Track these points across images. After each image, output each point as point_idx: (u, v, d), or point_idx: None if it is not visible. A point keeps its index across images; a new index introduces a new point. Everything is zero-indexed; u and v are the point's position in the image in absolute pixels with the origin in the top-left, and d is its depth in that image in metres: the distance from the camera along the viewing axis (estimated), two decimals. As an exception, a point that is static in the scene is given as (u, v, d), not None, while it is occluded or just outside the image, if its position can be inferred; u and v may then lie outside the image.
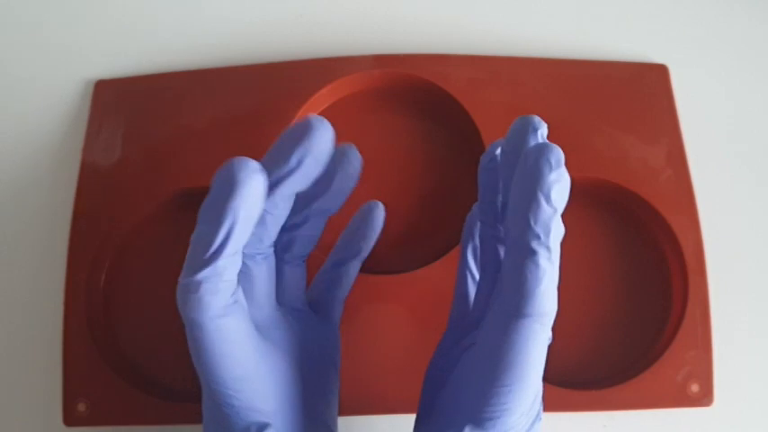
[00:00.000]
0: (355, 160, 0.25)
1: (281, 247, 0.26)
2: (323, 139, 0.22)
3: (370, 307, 0.32)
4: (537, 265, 0.20)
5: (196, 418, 0.31)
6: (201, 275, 0.20)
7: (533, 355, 0.20)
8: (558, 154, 0.19)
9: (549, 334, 0.21)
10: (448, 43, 0.37)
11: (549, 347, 0.32)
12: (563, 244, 0.33)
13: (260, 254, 0.24)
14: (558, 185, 0.19)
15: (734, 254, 0.34)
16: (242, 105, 0.35)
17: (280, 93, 0.35)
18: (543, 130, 0.22)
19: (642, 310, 0.33)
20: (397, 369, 0.31)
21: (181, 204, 0.34)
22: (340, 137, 0.36)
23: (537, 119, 0.22)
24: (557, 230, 0.20)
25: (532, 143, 0.21)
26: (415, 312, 0.32)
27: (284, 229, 0.25)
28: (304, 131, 0.22)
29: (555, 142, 0.33)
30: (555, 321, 0.32)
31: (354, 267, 0.29)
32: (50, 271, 0.34)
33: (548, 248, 0.20)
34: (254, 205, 0.20)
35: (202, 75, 0.36)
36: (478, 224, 0.26)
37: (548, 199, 0.19)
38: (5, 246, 0.35)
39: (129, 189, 0.34)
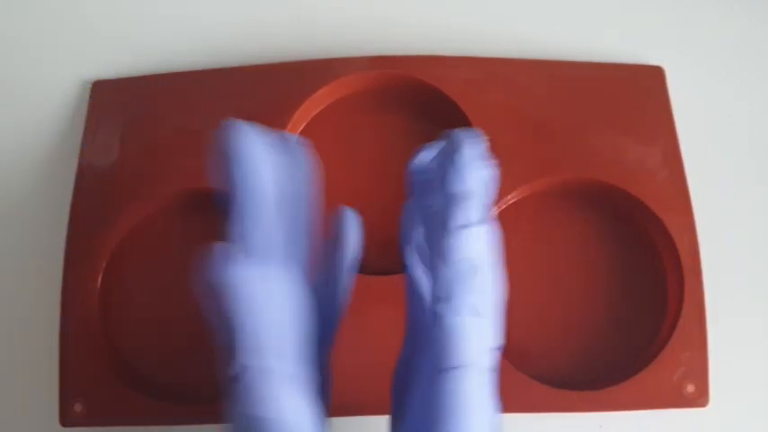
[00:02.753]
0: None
1: None
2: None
3: (366, 308, 0.32)
4: (447, 325, 0.20)
5: (193, 419, 0.31)
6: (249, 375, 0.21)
7: (470, 403, 0.20)
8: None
9: (487, 377, 0.21)
10: (444, 45, 0.37)
11: (548, 349, 0.32)
12: (560, 244, 0.33)
13: None
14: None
15: (729, 254, 0.34)
16: (239, 106, 0.35)
17: (276, 94, 0.35)
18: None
19: (638, 310, 0.33)
20: (393, 370, 0.31)
21: (178, 205, 0.34)
22: (336, 138, 0.36)
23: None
24: (464, 287, 0.20)
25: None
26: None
27: None
28: None
29: (551, 143, 0.34)
30: (552, 322, 0.33)
31: (348, 284, 0.28)
32: (47, 272, 0.34)
33: (453, 307, 0.20)
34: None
35: (199, 75, 0.36)
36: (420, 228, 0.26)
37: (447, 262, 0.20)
38: (2, 247, 0.35)
39: (126, 190, 0.34)
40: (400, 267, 0.32)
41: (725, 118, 0.36)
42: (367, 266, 0.33)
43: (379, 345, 0.32)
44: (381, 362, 0.31)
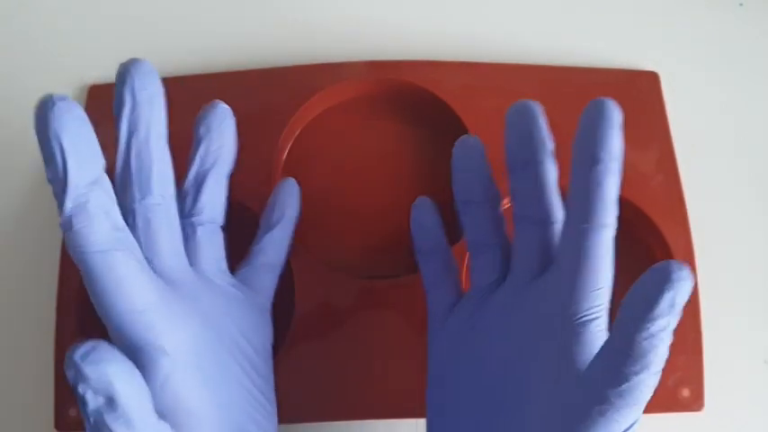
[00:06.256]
0: (224, 111, 0.28)
1: (188, 209, 0.27)
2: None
3: (364, 312, 0.32)
4: (611, 179, 0.24)
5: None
6: (67, 212, 0.21)
7: (612, 258, 0.24)
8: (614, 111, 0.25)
9: None
10: (441, 50, 0.37)
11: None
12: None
13: (156, 204, 0.24)
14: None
15: (724, 259, 0.34)
16: (235, 111, 0.35)
17: (272, 99, 0.35)
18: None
19: (633, 315, 0.33)
20: (393, 373, 0.31)
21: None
22: (333, 143, 0.36)
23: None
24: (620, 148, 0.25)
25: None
26: (410, 316, 0.32)
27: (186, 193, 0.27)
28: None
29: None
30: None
31: (281, 234, 0.29)
32: (42, 275, 0.34)
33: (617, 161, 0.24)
34: (79, 129, 0.21)
35: (196, 80, 0.36)
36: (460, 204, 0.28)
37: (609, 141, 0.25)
38: (-2, 251, 0.35)
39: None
40: (396, 271, 0.33)
41: (720, 123, 0.36)
42: (363, 271, 0.33)
43: (380, 349, 0.32)
44: (381, 366, 0.31)
